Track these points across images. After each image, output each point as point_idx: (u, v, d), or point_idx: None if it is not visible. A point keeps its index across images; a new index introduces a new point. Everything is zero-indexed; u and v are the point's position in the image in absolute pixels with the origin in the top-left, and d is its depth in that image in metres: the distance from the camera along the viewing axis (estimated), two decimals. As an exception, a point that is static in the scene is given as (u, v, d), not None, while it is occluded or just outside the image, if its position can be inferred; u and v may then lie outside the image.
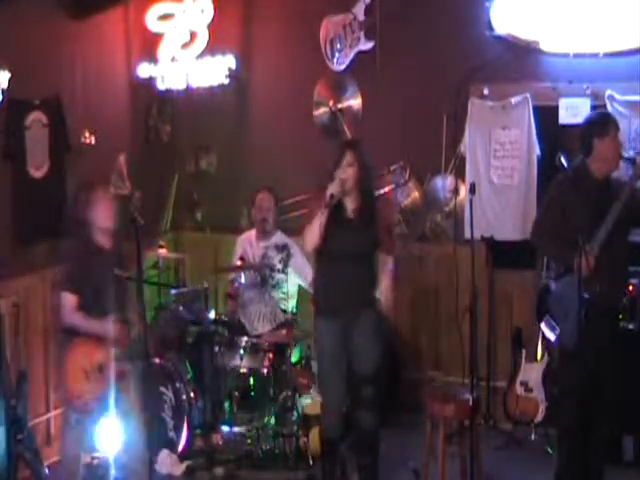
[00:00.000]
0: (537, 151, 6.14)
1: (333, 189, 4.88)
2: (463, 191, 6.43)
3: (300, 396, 5.78)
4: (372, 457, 5.08)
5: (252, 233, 6.48)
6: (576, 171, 5.00)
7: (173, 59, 7.01)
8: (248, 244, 6.42)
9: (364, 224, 4.99)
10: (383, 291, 5.06)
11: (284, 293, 6.20)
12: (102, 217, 4.81)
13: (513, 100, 6.19)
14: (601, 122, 4.92)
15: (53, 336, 5.63)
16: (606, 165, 4.87)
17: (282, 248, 6.21)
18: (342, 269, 4.98)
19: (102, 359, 4.75)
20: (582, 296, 4.61)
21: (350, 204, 5.02)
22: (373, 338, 5.02)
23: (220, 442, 5.81)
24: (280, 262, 6.18)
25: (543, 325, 5.06)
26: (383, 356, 5.12)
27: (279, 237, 6.36)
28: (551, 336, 4.99)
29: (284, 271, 6.12)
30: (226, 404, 5.98)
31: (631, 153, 5.41)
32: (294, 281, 6.29)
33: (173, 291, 6.30)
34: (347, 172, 4.95)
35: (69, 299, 4.83)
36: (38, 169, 5.86)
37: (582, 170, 4.93)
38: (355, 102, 6.79)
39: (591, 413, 4.90)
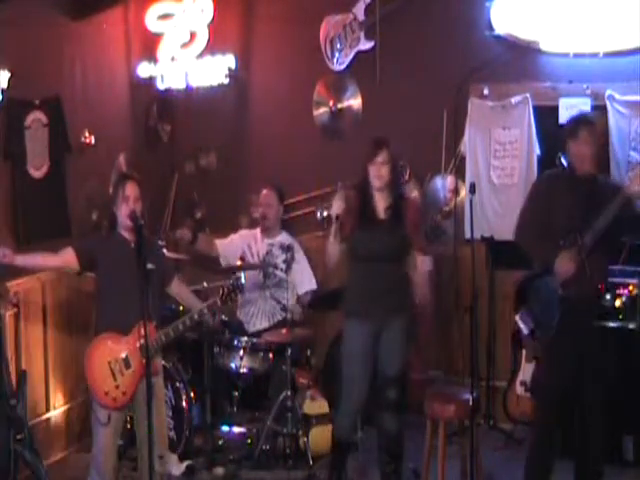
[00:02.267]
0: (537, 151, 6.15)
1: (336, 210, 4.86)
2: (463, 191, 6.43)
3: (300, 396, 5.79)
4: (396, 464, 5.08)
5: (257, 230, 6.50)
6: (559, 169, 5.10)
7: (173, 59, 7.01)
8: (253, 239, 6.44)
9: (395, 224, 4.96)
10: (418, 291, 5.02)
11: (284, 293, 6.19)
12: (124, 215, 4.69)
13: (513, 100, 6.19)
14: (573, 124, 4.95)
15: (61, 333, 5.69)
16: (580, 165, 4.86)
17: (287, 249, 6.22)
18: (374, 271, 4.94)
19: (127, 352, 4.62)
20: (561, 297, 4.72)
21: (381, 203, 4.99)
22: (403, 342, 5.01)
23: (220, 442, 5.82)
24: (284, 262, 6.18)
25: (518, 318, 5.12)
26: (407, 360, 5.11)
27: (284, 237, 6.39)
28: (524, 329, 5.06)
29: (286, 272, 6.12)
30: (226, 404, 5.98)
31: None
32: (296, 282, 6.29)
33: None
34: (381, 170, 4.91)
35: (69, 252, 4.72)
36: (38, 169, 5.86)
37: (565, 168, 5.00)
38: (355, 102, 6.79)
39: (579, 414, 4.92)
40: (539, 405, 5.11)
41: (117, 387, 4.62)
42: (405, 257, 5.01)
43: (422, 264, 5.05)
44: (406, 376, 5.22)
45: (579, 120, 4.99)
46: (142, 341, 4.44)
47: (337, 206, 4.91)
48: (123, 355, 4.63)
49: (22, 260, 4.76)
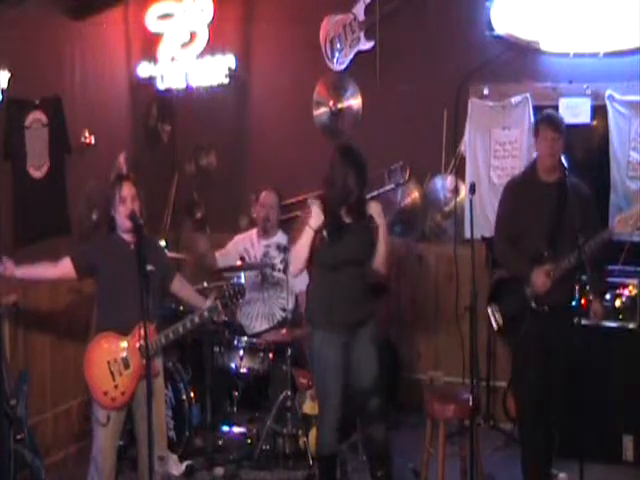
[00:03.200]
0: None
1: (314, 223, 4.77)
2: (463, 191, 6.43)
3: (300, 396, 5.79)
4: (387, 468, 5.04)
5: (253, 232, 6.49)
6: (525, 172, 5.17)
7: (173, 59, 7.01)
8: (249, 243, 6.43)
9: (360, 228, 4.86)
10: (379, 254, 4.87)
11: (283, 293, 6.19)
12: (122, 217, 4.68)
13: (513, 100, 6.19)
14: (536, 122, 5.13)
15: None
16: (541, 163, 4.98)
17: (284, 249, 6.22)
18: (342, 280, 4.84)
19: (127, 353, 4.61)
20: (532, 309, 4.88)
21: (344, 209, 4.87)
22: (373, 350, 4.93)
23: (220, 442, 5.82)
24: (282, 262, 6.18)
25: (489, 311, 5.17)
26: (382, 366, 5.01)
27: (281, 237, 6.37)
28: (494, 324, 5.21)
29: (285, 272, 6.12)
30: (226, 404, 5.98)
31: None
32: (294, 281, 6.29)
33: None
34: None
35: (66, 261, 4.74)
36: (38, 169, 5.86)
37: (530, 171, 5.08)
38: (355, 102, 6.79)
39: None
40: (518, 402, 5.15)
41: (116, 387, 4.62)
42: (370, 262, 4.91)
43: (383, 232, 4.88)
44: (382, 382, 5.08)
45: (541, 118, 5.12)
46: (142, 342, 4.44)
47: (317, 217, 4.78)
48: (122, 355, 4.63)
49: (21, 273, 4.81)
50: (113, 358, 4.62)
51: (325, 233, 4.80)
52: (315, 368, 4.95)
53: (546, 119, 5.04)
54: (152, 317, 4.57)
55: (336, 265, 4.83)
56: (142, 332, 4.35)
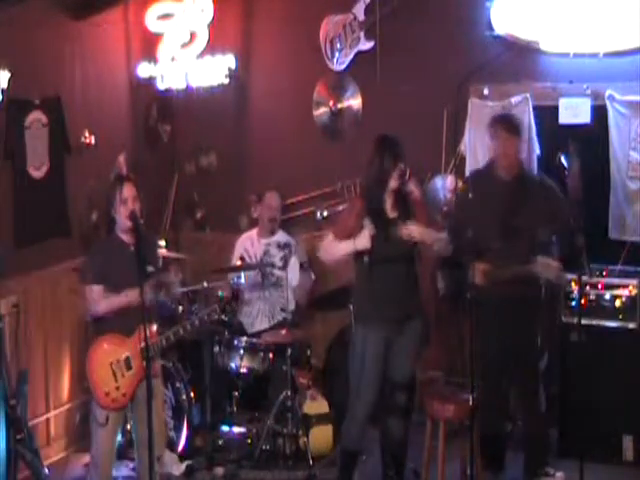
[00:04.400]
0: (537, 151, 6.14)
1: (360, 244, 4.78)
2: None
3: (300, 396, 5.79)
4: (399, 468, 5.09)
5: (253, 232, 6.50)
6: (486, 167, 5.41)
7: (173, 59, 7.00)
8: (249, 242, 6.44)
9: (405, 221, 4.87)
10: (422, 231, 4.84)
11: (284, 293, 6.19)
12: (123, 217, 4.68)
13: (513, 100, 6.18)
14: (490, 124, 5.36)
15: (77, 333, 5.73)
16: (497, 161, 5.25)
17: (284, 246, 6.23)
18: (388, 274, 4.86)
19: (129, 354, 4.63)
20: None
21: (389, 202, 4.95)
22: (415, 348, 4.98)
23: (220, 442, 5.82)
24: (281, 260, 6.18)
25: (439, 276, 5.47)
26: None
27: (281, 235, 6.39)
28: (441, 290, 5.46)
29: (284, 269, 6.12)
30: (226, 404, 5.98)
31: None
32: (293, 277, 6.28)
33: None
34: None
35: (95, 290, 4.68)
36: (38, 169, 5.86)
37: (490, 167, 5.34)
38: (355, 102, 6.79)
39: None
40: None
41: (117, 388, 4.63)
42: (415, 257, 4.96)
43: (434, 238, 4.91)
44: (415, 381, 5.18)
45: (494, 121, 5.35)
46: (143, 344, 4.42)
47: (365, 240, 4.79)
48: (125, 356, 4.64)
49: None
50: (116, 359, 4.63)
51: (372, 228, 4.82)
52: (353, 362, 4.97)
53: (499, 120, 5.32)
54: (154, 318, 4.61)
55: (381, 260, 4.84)
56: (144, 334, 4.36)
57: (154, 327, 4.65)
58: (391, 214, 4.93)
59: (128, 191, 4.71)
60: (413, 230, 4.81)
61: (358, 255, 4.88)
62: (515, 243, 5.05)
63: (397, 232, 4.81)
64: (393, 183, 4.89)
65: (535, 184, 5.23)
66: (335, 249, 4.93)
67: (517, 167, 5.22)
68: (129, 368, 4.64)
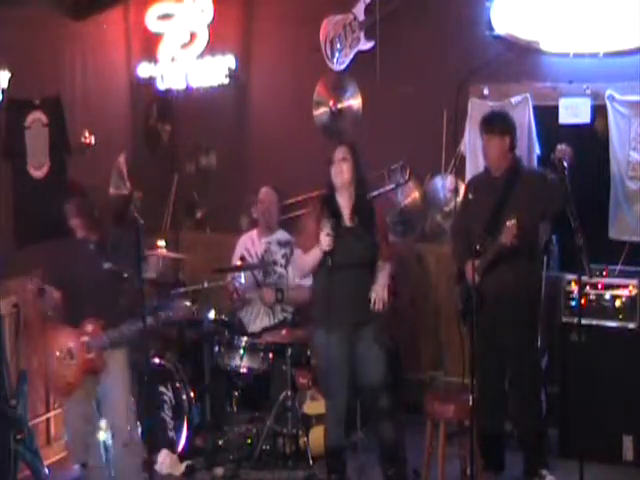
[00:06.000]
0: (537, 151, 6.14)
1: (325, 245, 4.79)
2: (463, 191, 6.42)
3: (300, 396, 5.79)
4: (399, 466, 5.09)
5: (253, 232, 6.51)
6: (484, 170, 5.50)
7: (173, 59, 7.01)
8: (250, 242, 6.44)
9: (363, 230, 4.92)
10: (377, 289, 4.92)
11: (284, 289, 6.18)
12: (79, 229, 4.89)
13: (513, 100, 6.18)
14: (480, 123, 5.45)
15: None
16: (489, 163, 5.39)
17: (285, 244, 6.23)
18: (344, 280, 4.87)
19: (71, 345, 4.79)
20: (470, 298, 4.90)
21: (347, 209, 4.96)
22: (377, 349, 4.97)
23: (220, 442, 5.82)
24: (283, 257, 6.19)
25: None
26: (387, 365, 5.05)
27: (282, 234, 6.40)
28: (459, 304, 5.36)
29: (286, 267, 6.12)
30: (226, 404, 5.98)
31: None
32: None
33: (173, 291, 6.30)
34: (341, 167, 4.89)
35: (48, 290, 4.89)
36: (38, 169, 5.87)
37: (486, 169, 5.44)
38: (355, 102, 6.79)
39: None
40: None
41: (62, 377, 4.82)
42: (374, 264, 4.96)
43: (382, 270, 4.97)
44: (392, 381, 5.16)
45: (480, 121, 5.44)
46: (86, 338, 4.74)
47: (329, 241, 4.81)
48: (67, 347, 4.80)
49: None
50: (60, 349, 4.81)
51: (328, 227, 4.83)
52: (319, 366, 5.07)
53: (481, 122, 5.43)
54: (103, 314, 4.76)
55: (336, 267, 4.84)
56: (89, 328, 4.68)
57: (98, 322, 4.78)
58: (348, 222, 4.95)
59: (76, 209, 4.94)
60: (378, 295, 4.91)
61: (323, 258, 4.89)
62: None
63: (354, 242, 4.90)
64: (336, 180, 4.94)
65: (527, 177, 5.27)
66: (305, 263, 5.00)
67: (506, 163, 5.29)
68: (72, 358, 4.79)
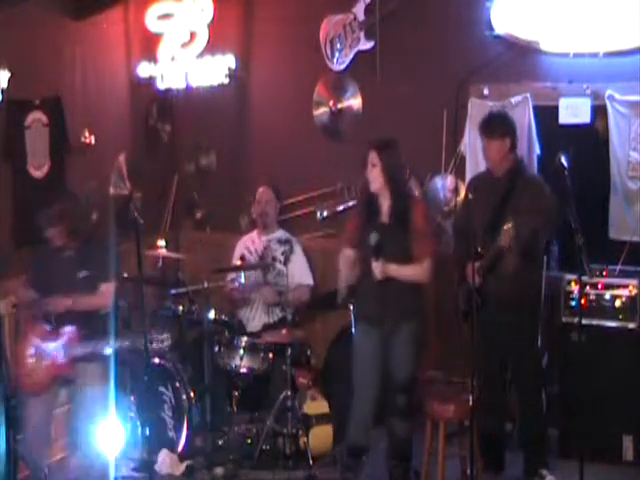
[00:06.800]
0: (537, 151, 6.14)
1: (377, 275, 4.88)
2: (463, 191, 6.42)
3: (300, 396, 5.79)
4: (404, 466, 5.10)
5: (253, 232, 6.54)
6: (485, 170, 5.55)
7: (173, 59, 7.01)
8: (250, 241, 6.48)
9: (399, 228, 4.94)
10: (386, 265, 4.89)
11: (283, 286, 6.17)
12: (56, 238, 4.91)
13: (513, 100, 6.18)
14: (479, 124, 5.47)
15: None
16: (488, 163, 5.46)
17: (285, 242, 6.23)
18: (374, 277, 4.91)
19: (36, 342, 4.85)
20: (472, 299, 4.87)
21: (385, 207, 5.02)
22: (413, 348, 5.00)
23: (220, 442, 5.82)
24: (282, 254, 6.19)
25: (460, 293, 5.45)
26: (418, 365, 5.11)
27: (282, 233, 6.42)
28: (462, 305, 5.42)
29: (285, 264, 6.13)
30: (226, 404, 5.98)
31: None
32: (293, 274, 6.28)
33: (172, 291, 6.31)
34: (372, 173, 4.95)
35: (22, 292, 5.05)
36: (38, 169, 5.86)
37: (486, 169, 5.49)
38: (355, 102, 6.79)
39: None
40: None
41: (29, 375, 4.88)
42: (410, 260, 4.98)
43: (409, 267, 4.98)
44: (415, 381, 5.19)
45: (479, 124, 5.46)
46: (61, 342, 4.79)
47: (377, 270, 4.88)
48: (42, 347, 4.86)
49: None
50: (35, 347, 4.87)
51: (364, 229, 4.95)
52: (354, 358, 5.10)
53: (480, 125, 5.45)
54: (80, 323, 4.81)
55: (370, 261, 4.90)
56: (66, 334, 4.79)
57: (77, 331, 4.82)
58: (385, 219, 5.00)
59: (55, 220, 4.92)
60: (387, 268, 4.89)
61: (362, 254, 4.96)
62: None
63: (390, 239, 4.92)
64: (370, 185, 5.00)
65: (524, 181, 5.28)
66: (347, 259, 5.08)
67: (508, 164, 5.31)
68: (43, 359, 4.83)
